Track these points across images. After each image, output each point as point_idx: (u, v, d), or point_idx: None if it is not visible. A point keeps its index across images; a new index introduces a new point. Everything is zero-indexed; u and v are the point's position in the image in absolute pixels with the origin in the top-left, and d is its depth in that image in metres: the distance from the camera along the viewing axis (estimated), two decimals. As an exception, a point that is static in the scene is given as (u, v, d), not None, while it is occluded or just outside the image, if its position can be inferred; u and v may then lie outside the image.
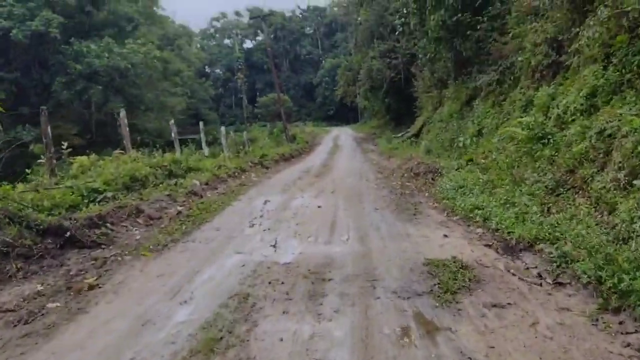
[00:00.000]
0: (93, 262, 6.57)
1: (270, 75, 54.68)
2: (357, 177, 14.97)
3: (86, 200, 9.26)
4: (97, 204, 9.26)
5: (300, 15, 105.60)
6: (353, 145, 33.79)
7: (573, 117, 8.48)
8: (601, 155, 6.83)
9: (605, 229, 5.69)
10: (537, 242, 6.01)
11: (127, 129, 13.44)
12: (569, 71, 9.88)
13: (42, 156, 10.62)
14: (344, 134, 47.95)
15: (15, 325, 4.57)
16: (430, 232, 7.34)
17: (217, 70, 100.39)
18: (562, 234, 5.91)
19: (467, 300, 4.61)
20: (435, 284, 5.05)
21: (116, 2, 41.27)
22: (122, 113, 13.47)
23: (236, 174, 16.44)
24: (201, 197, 11.91)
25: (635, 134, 6.05)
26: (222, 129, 23.51)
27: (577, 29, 9.73)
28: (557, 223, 6.37)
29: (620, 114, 6.66)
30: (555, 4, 10.97)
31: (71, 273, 6.15)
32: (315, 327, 4.17)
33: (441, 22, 19.24)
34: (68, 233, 7.06)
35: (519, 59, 13.03)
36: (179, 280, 5.61)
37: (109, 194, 9.78)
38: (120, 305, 4.99)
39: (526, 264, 5.67)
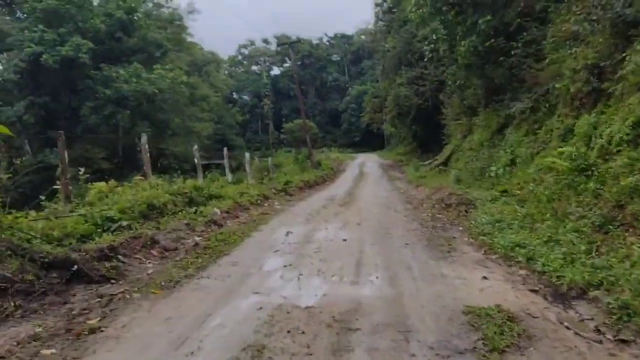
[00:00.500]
0: (99, 299, 6.05)
1: (296, 101, 54.78)
2: (384, 207, 14.32)
3: (99, 230, 8.83)
4: (111, 233, 8.82)
5: (328, 43, 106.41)
6: (379, 173, 33.15)
7: (619, 148, 7.80)
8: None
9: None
10: (591, 289, 5.32)
11: (148, 154, 13.11)
12: (612, 99, 9.20)
13: (57, 182, 10.30)
14: (370, 161, 47.30)
15: (1, 378, 4.07)
16: (467, 272, 6.65)
17: (245, 97, 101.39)
18: (617, 279, 5.23)
19: (519, 363, 3.94)
20: (478, 339, 4.37)
21: (146, 29, 41.86)
22: (144, 138, 13.17)
23: (259, 201, 15.96)
24: (221, 226, 11.41)
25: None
26: (247, 154, 23.19)
27: (621, 55, 9.12)
28: (610, 265, 5.69)
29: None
30: (597, 28, 10.35)
31: (74, 312, 5.63)
32: (339, 393, 3.55)
33: (472, 48, 18.76)
34: (75, 266, 6.58)
35: (557, 85, 12.39)
36: (187, 326, 5.04)
37: (124, 223, 9.34)
38: (120, 355, 4.44)
39: (581, 314, 4.96)
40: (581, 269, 5.72)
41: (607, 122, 8.74)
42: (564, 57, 12.08)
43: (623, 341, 4.30)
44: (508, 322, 4.70)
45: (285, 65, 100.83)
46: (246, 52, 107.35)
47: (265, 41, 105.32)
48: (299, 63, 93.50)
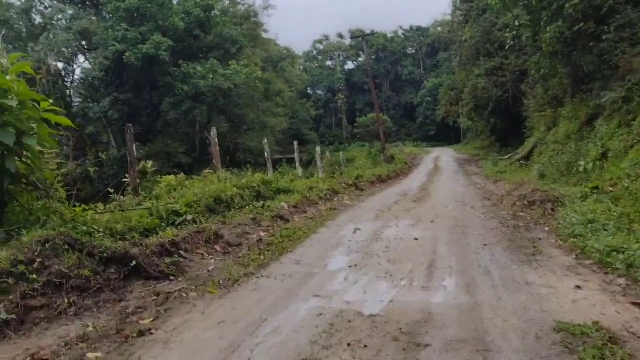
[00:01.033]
0: (154, 297, 5.80)
1: (370, 95, 53.92)
2: (460, 204, 13.45)
3: (164, 224, 8.69)
4: (175, 227, 8.66)
5: (402, 36, 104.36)
6: (455, 167, 31.86)
7: None
8: None
9: None
10: None
11: (217, 147, 12.99)
12: None
13: (126, 175, 10.32)
14: (445, 155, 45.71)
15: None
16: (556, 280, 5.82)
17: (319, 91, 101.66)
18: None
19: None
20: (575, 366, 3.66)
21: (222, 26, 42.47)
22: (213, 132, 13.07)
23: (328, 196, 15.52)
24: (287, 221, 11.06)
25: None
26: (317, 148, 22.84)
27: None
28: None
29: None
30: None
31: (128, 310, 5.40)
32: None
33: (558, 34, 17.37)
34: (133, 262, 6.39)
35: (655, 72, 11.05)
36: (240, 332, 4.63)
37: (189, 217, 9.16)
38: (165, 363, 4.11)
39: (698, 336, 4.10)
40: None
41: None
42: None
43: None
44: (609, 344, 3.92)
45: (359, 59, 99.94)
46: (321, 47, 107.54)
47: (340, 36, 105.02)
48: (373, 57, 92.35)
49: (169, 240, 7.48)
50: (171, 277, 6.65)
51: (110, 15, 39.84)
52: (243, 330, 4.66)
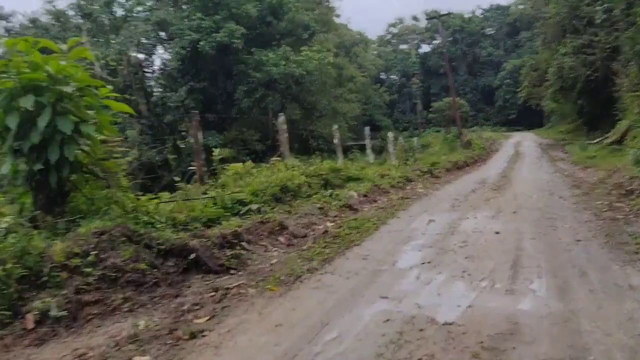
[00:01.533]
0: (212, 294, 5.49)
1: (446, 79, 52.06)
2: (545, 193, 12.34)
3: (228, 213, 8.43)
4: (240, 217, 8.38)
5: (481, 16, 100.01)
6: (538, 153, 29.95)
7: None
8: None
9: None
10: None
11: (286, 135, 12.65)
12: None
13: (192, 163, 10.17)
14: (527, 140, 43.24)
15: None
16: (668, 286, 4.95)
17: (393, 76, 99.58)
18: None
19: None
20: None
21: (295, 12, 42.26)
22: (281, 118, 12.74)
23: (400, 184, 14.81)
24: (356, 211, 10.53)
25: None
26: (390, 134, 22.06)
27: None
28: None
29: None
30: None
31: (184, 307, 5.11)
32: None
33: (658, 4, 15.68)
34: (193, 254, 6.12)
35: None
36: (297, 338, 4.18)
37: (255, 207, 8.87)
38: (213, 372, 3.73)
39: None
40: None
41: None
42: None
43: None
44: None
45: (435, 42, 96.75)
46: (395, 30, 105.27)
47: (415, 18, 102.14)
48: (450, 39, 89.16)
49: (231, 232, 7.18)
50: (232, 271, 6.34)
51: (187, 5, 40.65)
52: (301, 337, 4.21)
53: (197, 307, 5.16)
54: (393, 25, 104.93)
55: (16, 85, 5.73)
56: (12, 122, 5.61)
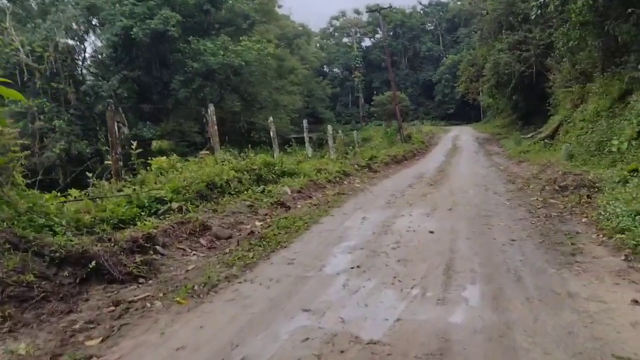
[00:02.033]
0: (112, 308, 4.80)
1: (387, 73, 52.19)
2: (481, 188, 12.22)
3: (144, 213, 7.67)
4: (158, 217, 7.64)
5: (422, 12, 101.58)
6: (475, 147, 30.41)
7: None
8: None
9: None
10: None
11: (215, 126, 11.89)
12: None
13: (108, 157, 9.29)
14: (465, 134, 44.00)
15: None
16: (606, 291, 4.65)
17: (335, 69, 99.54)
18: None
19: None
20: None
21: (234, 1, 41.15)
22: (211, 109, 11.97)
23: (338, 179, 14.38)
24: (288, 208, 9.97)
25: None
26: (329, 127, 21.58)
27: None
28: None
29: None
30: None
31: (75, 326, 4.40)
32: None
33: (590, 1, 15.92)
34: (93, 262, 5.37)
35: None
36: (199, 365, 3.60)
37: (175, 205, 8.13)
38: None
39: None
40: None
41: None
42: None
43: None
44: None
45: (377, 36, 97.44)
46: (337, 23, 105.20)
47: (357, 12, 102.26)
48: (391, 33, 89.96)
49: (143, 234, 6.45)
50: (141, 280, 5.65)
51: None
52: (204, 363, 3.62)
53: (92, 325, 4.47)
54: (336, 18, 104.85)
55: None
56: None
